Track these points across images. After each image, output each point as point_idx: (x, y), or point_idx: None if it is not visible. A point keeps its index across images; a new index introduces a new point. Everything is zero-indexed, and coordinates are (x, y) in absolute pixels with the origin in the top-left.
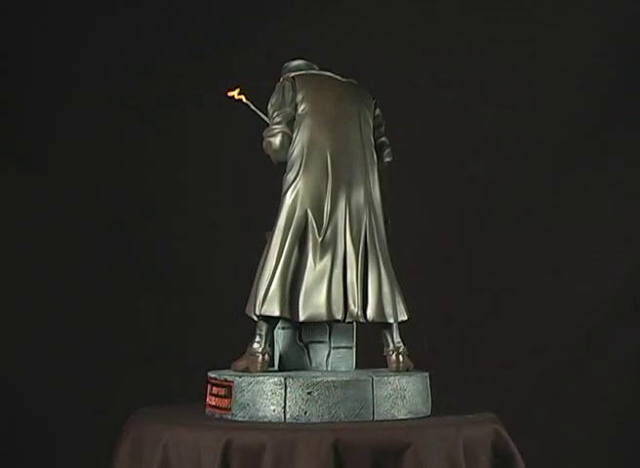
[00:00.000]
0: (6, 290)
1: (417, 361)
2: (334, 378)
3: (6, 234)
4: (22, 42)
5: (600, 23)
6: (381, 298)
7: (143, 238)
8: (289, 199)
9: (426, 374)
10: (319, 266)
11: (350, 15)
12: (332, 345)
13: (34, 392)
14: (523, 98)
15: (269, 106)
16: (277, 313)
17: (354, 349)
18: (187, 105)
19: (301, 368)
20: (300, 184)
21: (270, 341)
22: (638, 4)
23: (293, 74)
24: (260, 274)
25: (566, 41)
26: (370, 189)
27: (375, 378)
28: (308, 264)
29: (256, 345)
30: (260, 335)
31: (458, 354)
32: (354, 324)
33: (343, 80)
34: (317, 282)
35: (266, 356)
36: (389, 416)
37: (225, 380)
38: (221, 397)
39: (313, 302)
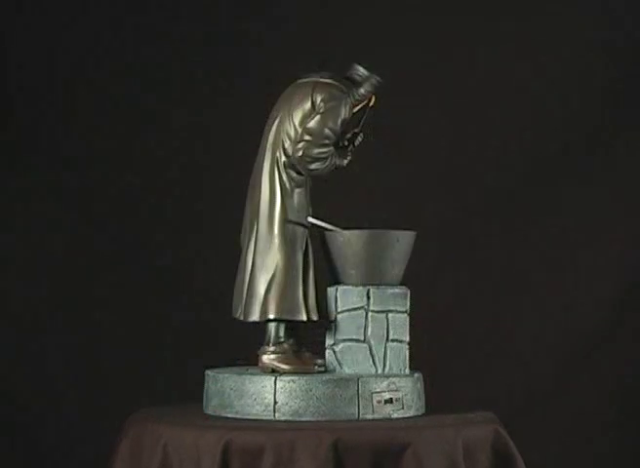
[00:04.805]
0: (6, 290)
1: (417, 361)
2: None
3: (5, 234)
4: (23, 40)
5: (600, 23)
6: None
7: (144, 238)
8: None
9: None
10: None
11: (351, 13)
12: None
13: (34, 392)
14: (523, 98)
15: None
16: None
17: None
18: (187, 105)
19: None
20: None
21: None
22: (638, 4)
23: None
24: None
25: (566, 41)
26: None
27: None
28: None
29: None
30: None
31: (458, 354)
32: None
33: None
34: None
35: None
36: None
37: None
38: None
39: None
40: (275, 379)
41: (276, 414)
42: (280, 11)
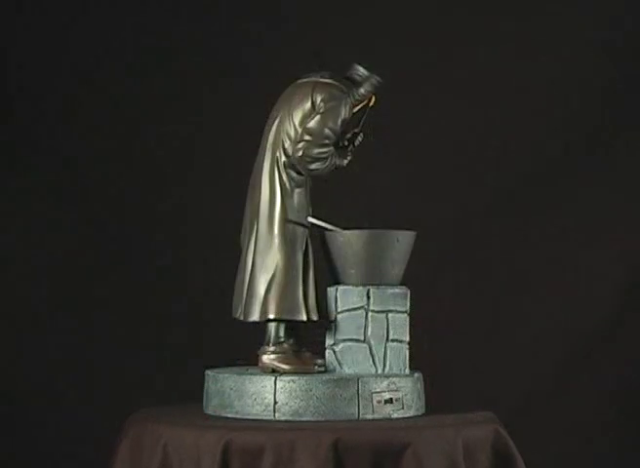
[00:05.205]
0: (6, 290)
1: (417, 361)
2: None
3: (5, 234)
4: (23, 40)
5: (600, 23)
6: None
7: (144, 238)
8: None
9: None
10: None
11: (351, 13)
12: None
13: (34, 392)
14: (523, 98)
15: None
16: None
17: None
18: (187, 105)
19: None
20: None
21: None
22: (638, 4)
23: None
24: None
25: (566, 41)
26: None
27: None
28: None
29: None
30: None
31: (458, 354)
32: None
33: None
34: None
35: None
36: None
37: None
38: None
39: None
40: (275, 379)
41: (276, 414)
42: (280, 11)
